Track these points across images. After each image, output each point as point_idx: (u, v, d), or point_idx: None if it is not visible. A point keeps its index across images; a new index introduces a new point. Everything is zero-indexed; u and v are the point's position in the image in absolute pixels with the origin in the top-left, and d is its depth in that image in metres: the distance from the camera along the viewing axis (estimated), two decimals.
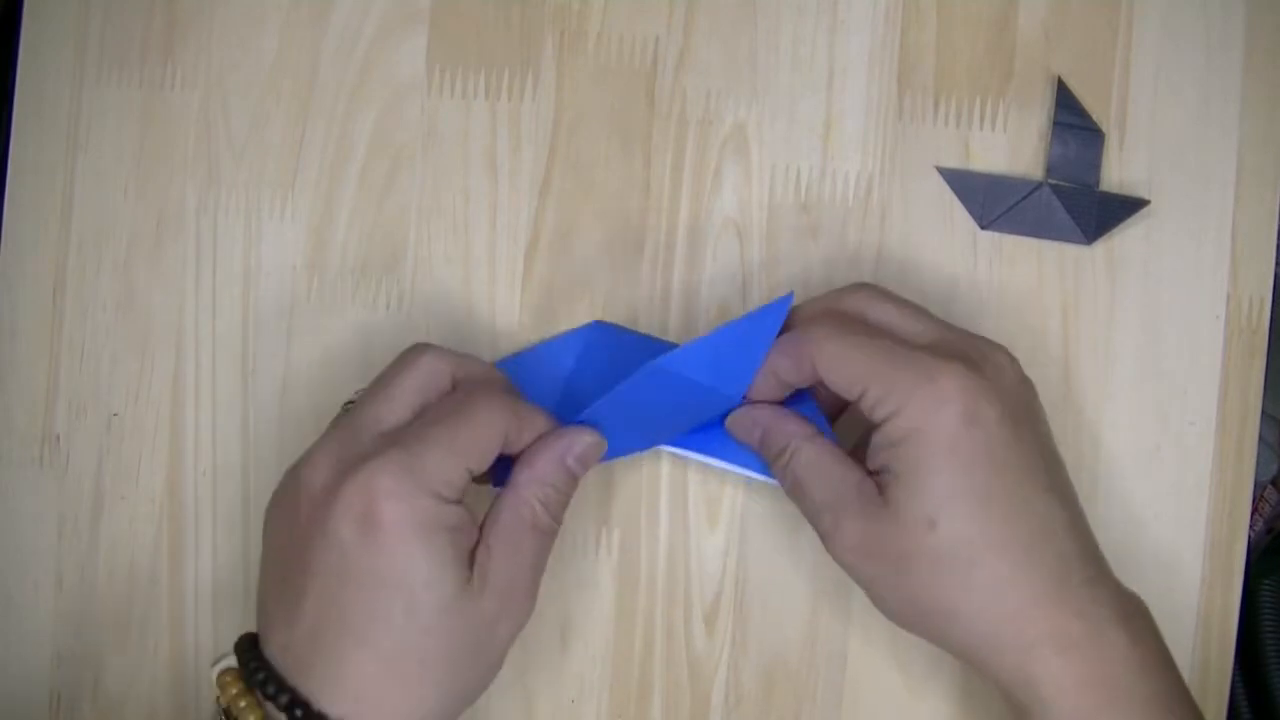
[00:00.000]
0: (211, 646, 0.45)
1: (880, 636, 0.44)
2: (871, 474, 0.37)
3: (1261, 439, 0.44)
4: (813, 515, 0.38)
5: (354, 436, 0.36)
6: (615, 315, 0.45)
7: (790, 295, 0.38)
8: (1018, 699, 0.36)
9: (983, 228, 0.44)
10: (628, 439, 0.41)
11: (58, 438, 0.46)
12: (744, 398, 0.40)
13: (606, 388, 0.39)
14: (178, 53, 0.46)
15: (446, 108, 0.45)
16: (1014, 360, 0.38)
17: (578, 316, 0.45)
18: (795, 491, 0.39)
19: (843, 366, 0.37)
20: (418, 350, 0.39)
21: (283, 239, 0.46)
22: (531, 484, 0.38)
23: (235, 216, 0.46)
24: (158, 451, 0.46)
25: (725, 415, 0.41)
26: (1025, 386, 0.38)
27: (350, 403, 0.40)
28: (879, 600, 0.38)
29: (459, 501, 0.36)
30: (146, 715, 0.45)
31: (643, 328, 0.45)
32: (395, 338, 0.45)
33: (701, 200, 0.45)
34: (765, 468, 0.40)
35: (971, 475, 0.35)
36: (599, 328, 0.44)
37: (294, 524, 0.36)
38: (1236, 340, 0.44)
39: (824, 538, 0.38)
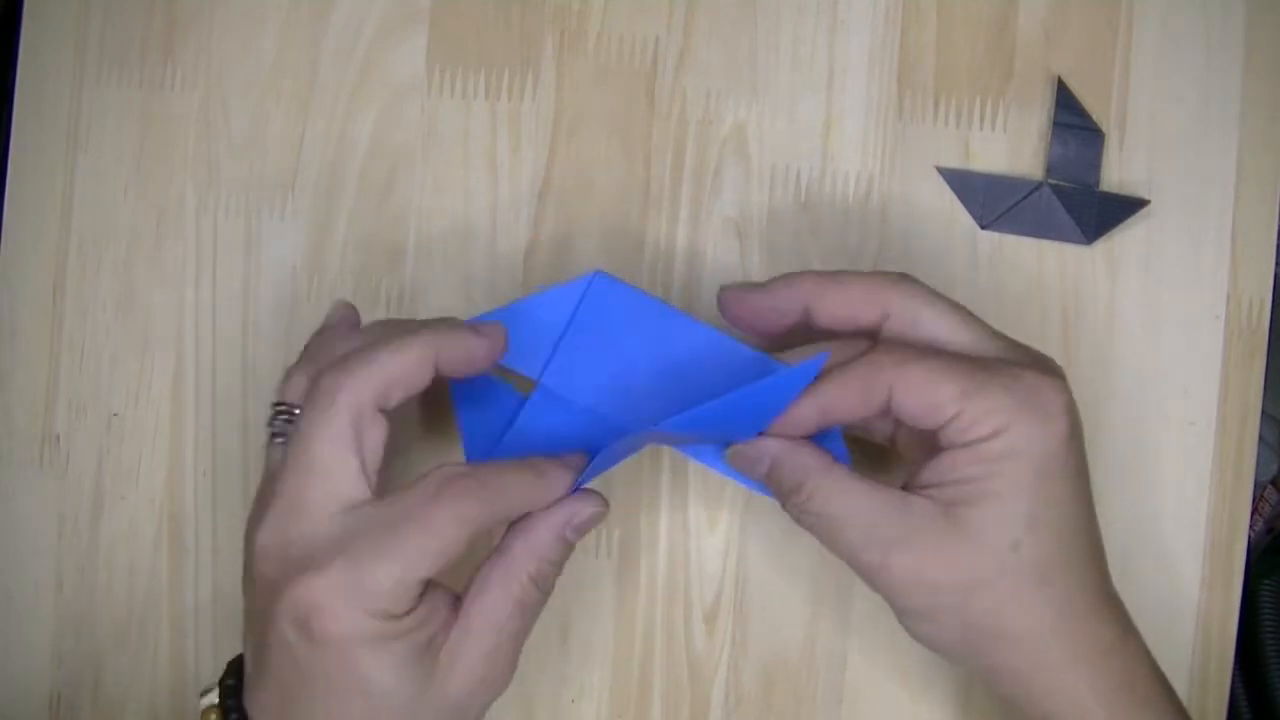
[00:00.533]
0: (211, 646, 0.45)
1: (880, 637, 0.44)
2: (913, 493, 0.35)
3: (1261, 439, 0.44)
4: (850, 550, 0.35)
5: (303, 514, 0.34)
6: None
7: (825, 355, 0.36)
8: (1046, 710, 0.35)
9: (983, 228, 0.44)
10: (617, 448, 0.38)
11: (58, 438, 0.46)
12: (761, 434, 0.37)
13: (600, 365, 0.37)
14: (178, 53, 0.46)
15: (446, 108, 0.45)
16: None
17: None
18: (820, 528, 0.36)
19: (932, 391, 0.34)
20: (326, 393, 0.34)
21: (283, 239, 0.46)
22: (526, 557, 0.35)
23: (235, 216, 0.46)
24: (158, 451, 0.46)
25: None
26: None
27: (279, 404, 0.37)
28: (923, 625, 0.36)
29: (411, 610, 0.33)
30: (146, 715, 0.45)
31: None
32: None
33: (701, 200, 0.45)
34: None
35: (1054, 494, 0.34)
36: (600, 283, 0.39)
37: (252, 594, 0.35)
38: (1236, 340, 0.44)
39: (868, 571, 0.35)
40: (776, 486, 0.37)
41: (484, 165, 0.45)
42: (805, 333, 0.38)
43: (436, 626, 0.34)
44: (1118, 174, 0.44)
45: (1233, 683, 0.44)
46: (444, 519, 0.33)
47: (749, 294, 0.38)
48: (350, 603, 0.32)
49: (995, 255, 0.44)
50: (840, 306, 0.37)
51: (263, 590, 0.34)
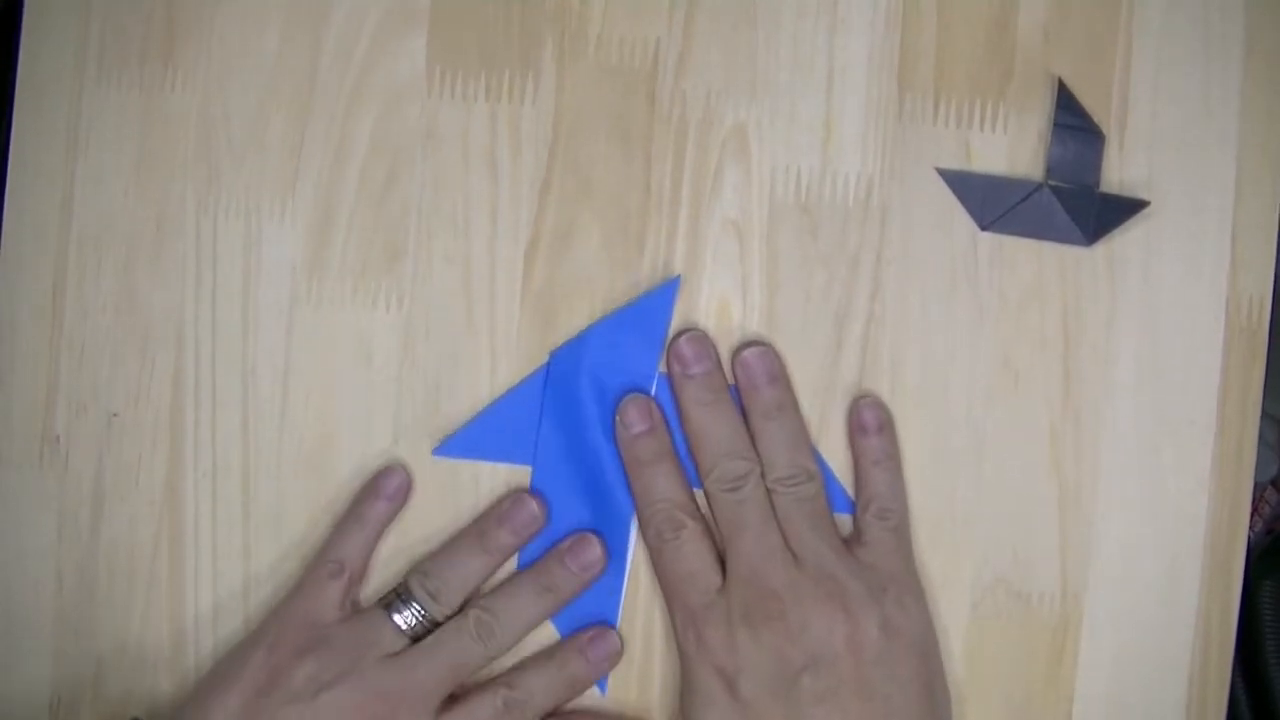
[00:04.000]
0: (211, 647, 0.45)
1: None
2: None
3: (1261, 439, 0.44)
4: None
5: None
6: None
7: (677, 279, 0.44)
8: None
9: (983, 228, 0.44)
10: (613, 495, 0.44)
11: (58, 438, 0.46)
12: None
13: (574, 424, 0.43)
14: (178, 54, 0.46)
15: (446, 109, 0.45)
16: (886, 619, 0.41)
17: (577, 316, 0.45)
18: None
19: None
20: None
21: (283, 239, 0.46)
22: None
23: (235, 216, 0.46)
24: (158, 451, 0.46)
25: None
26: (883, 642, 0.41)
27: (411, 599, 0.43)
28: None
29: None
30: (146, 715, 0.45)
31: None
32: (395, 338, 0.45)
33: (701, 200, 0.45)
34: None
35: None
36: (555, 358, 0.44)
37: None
38: (1236, 340, 0.44)
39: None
40: None
41: (484, 165, 0.45)
42: None
43: None
44: (1118, 174, 0.44)
45: (1233, 683, 0.44)
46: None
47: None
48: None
49: (995, 256, 0.44)
50: None
51: None
